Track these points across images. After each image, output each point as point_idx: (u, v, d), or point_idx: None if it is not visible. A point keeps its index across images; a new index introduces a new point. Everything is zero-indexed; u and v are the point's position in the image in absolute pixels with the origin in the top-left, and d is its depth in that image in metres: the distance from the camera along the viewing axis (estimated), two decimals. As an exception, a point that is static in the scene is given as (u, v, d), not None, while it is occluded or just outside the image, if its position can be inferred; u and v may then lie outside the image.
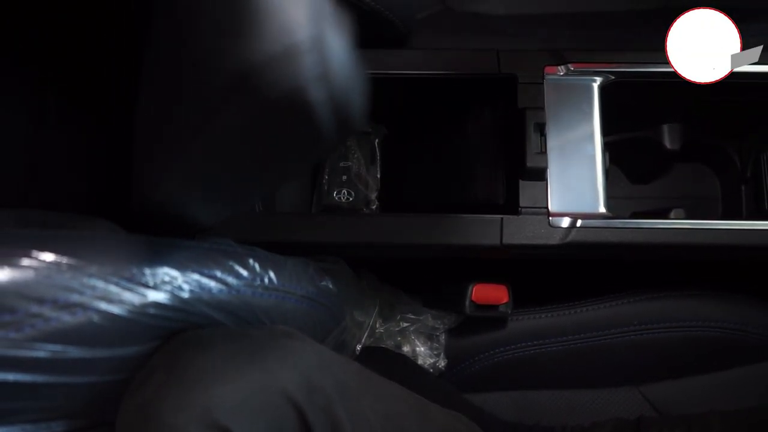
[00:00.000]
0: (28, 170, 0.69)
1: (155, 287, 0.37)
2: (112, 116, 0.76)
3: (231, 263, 0.41)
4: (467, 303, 0.61)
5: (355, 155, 0.69)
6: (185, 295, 0.38)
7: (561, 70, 0.57)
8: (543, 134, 0.56)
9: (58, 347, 0.34)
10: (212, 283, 0.39)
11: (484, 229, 0.55)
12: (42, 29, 0.68)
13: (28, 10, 0.66)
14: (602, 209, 0.56)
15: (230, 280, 0.40)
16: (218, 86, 0.27)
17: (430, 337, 0.67)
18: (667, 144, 0.65)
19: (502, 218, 0.55)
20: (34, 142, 0.69)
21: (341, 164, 0.68)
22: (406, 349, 0.66)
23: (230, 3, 0.25)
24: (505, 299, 0.61)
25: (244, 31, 0.25)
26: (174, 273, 0.38)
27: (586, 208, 0.55)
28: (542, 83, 0.57)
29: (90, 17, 0.70)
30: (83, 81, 0.74)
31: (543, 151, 0.55)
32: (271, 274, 0.43)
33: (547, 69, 0.57)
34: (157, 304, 0.37)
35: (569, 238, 0.55)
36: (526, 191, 0.56)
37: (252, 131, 0.31)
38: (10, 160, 0.67)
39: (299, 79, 0.25)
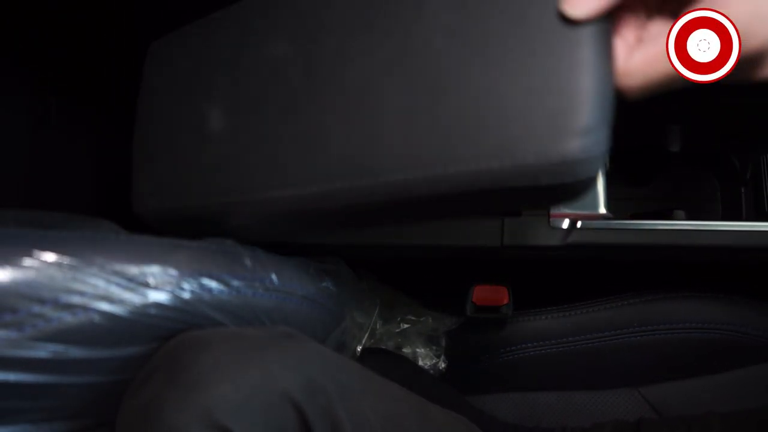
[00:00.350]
0: (29, 170, 0.69)
1: (156, 287, 0.37)
2: (112, 116, 0.76)
3: (232, 263, 0.41)
4: (468, 304, 0.61)
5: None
6: (186, 295, 0.38)
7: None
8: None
9: (59, 347, 0.34)
10: (213, 284, 0.39)
11: (485, 230, 0.55)
12: (42, 29, 0.68)
13: (28, 10, 0.66)
14: (602, 210, 0.56)
15: (231, 280, 0.40)
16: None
17: (430, 339, 0.67)
18: (668, 146, 0.65)
19: (502, 219, 0.55)
20: (35, 142, 0.69)
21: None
22: (406, 350, 0.66)
23: (558, 115, 0.31)
24: (506, 301, 0.61)
25: (568, 137, 0.31)
26: (175, 273, 0.37)
27: (586, 209, 0.56)
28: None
29: (90, 17, 0.70)
30: (83, 81, 0.74)
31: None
32: (272, 275, 0.43)
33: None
34: (157, 305, 0.37)
35: (569, 239, 0.55)
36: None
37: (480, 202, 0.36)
38: (11, 160, 0.67)
39: (586, 174, 0.32)
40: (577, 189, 0.33)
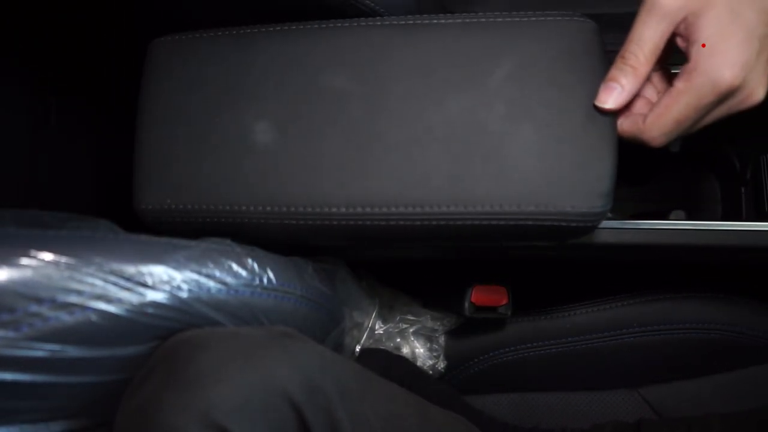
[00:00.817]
0: (29, 170, 0.69)
1: (154, 287, 0.37)
2: (112, 116, 0.76)
3: (230, 263, 0.40)
4: (467, 304, 0.61)
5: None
6: (184, 294, 0.38)
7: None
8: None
9: (56, 347, 0.34)
10: (211, 283, 0.39)
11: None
12: (42, 29, 0.68)
13: (29, 11, 0.66)
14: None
15: (229, 279, 0.40)
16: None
17: (429, 339, 0.67)
18: (668, 146, 0.65)
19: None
20: (35, 142, 0.69)
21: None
22: (405, 350, 0.66)
23: (590, 182, 0.44)
24: (505, 301, 0.61)
25: (596, 197, 0.44)
26: (173, 273, 0.37)
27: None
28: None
29: (90, 17, 0.70)
30: (83, 81, 0.74)
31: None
32: (270, 274, 0.43)
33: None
34: (155, 304, 0.37)
35: (569, 239, 0.55)
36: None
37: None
38: (12, 160, 0.67)
39: (599, 221, 0.45)
40: (589, 230, 0.46)
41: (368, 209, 0.45)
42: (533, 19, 0.46)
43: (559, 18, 0.46)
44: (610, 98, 0.43)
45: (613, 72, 0.43)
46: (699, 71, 0.40)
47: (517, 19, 0.46)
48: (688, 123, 0.42)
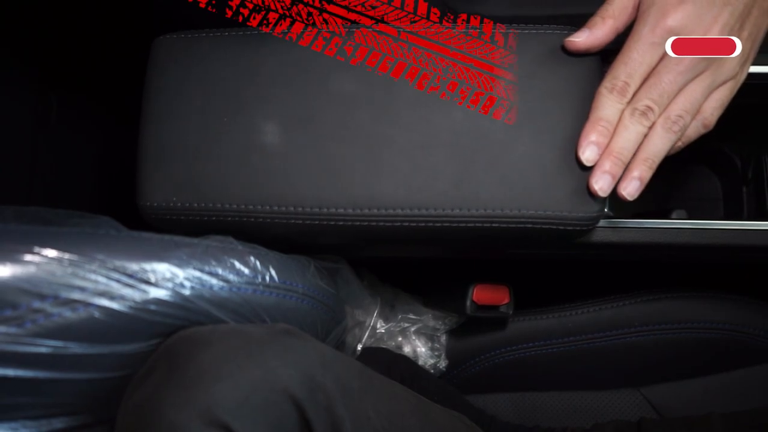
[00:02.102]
0: (30, 169, 0.69)
1: (156, 284, 0.37)
2: (113, 114, 0.76)
3: (232, 260, 0.41)
4: (468, 303, 0.61)
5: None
6: (186, 292, 0.38)
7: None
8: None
9: (59, 343, 0.34)
10: (213, 281, 0.39)
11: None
12: (43, 29, 0.69)
13: (29, 11, 0.66)
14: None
15: (231, 277, 0.40)
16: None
17: (431, 338, 0.67)
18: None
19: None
20: (37, 140, 0.69)
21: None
22: (407, 349, 0.66)
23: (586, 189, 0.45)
24: (506, 300, 0.61)
25: (591, 202, 0.45)
26: (175, 270, 0.38)
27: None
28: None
29: (90, 17, 0.70)
30: (84, 79, 0.74)
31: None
32: (272, 272, 0.43)
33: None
34: (158, 301, 0.37)
35: (571, 239, 0.55)
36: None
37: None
38: (14, 159, 0.67)
39: (594, 225, 0.49)
40: (585, 233, 0.49)
41: (374, 211, 0.46)
42: (533, 32, 0.48)
43: (558, 31, 0.47)
44: (581, 36, 0.46)
45: (588, 21, 0.47)
46: (643, 16, 0.44)
47: (519, 31, 0.48)
48: (641, 62, 0.44)
